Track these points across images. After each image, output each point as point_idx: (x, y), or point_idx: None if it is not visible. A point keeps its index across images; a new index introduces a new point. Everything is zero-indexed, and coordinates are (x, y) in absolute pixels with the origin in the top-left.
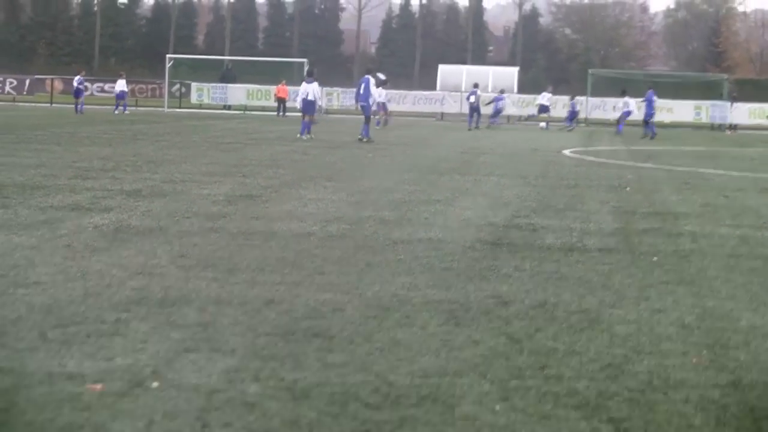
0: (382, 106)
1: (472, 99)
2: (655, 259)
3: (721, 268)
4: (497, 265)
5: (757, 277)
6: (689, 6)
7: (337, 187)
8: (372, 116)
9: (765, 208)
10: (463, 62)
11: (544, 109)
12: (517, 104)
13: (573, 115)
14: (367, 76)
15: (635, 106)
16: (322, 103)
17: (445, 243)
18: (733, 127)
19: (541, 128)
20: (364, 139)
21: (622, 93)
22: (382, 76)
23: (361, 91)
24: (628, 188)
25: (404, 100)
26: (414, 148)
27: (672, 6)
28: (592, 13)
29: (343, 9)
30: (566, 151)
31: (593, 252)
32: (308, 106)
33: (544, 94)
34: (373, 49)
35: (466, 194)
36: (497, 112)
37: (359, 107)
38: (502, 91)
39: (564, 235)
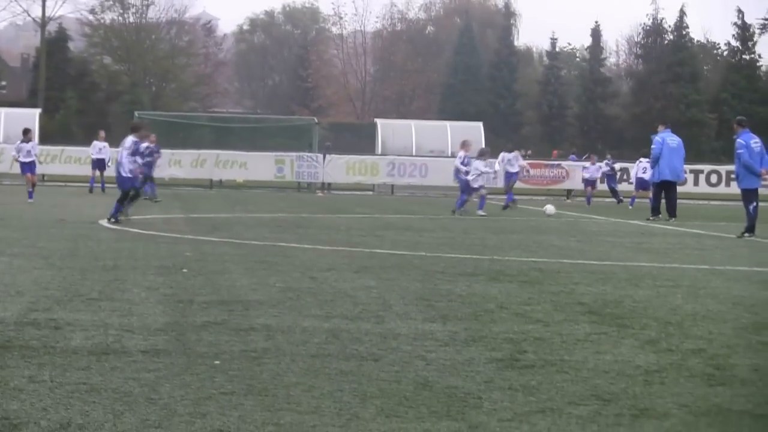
0: None
1: None
2: (217, 362)
3: (303, 372)
4: (5, 376)
5: (350, 383)
6: (267, 27)
7: None
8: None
9: (362, 293)
10: None
11: (98, 163)
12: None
13: None
14: (130, 136)
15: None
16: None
17: None
18: (326, 187)
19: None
20: (117, 218)
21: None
22: None
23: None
24: (184, 269)
25: None
26: None
27: (245, 27)
28: (138, 37)
29: None
30: (104, 222)
31: (135, 355)
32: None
33: (95, 143)
34: None
35: None
36: None
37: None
38: None
39: (97, 333)
